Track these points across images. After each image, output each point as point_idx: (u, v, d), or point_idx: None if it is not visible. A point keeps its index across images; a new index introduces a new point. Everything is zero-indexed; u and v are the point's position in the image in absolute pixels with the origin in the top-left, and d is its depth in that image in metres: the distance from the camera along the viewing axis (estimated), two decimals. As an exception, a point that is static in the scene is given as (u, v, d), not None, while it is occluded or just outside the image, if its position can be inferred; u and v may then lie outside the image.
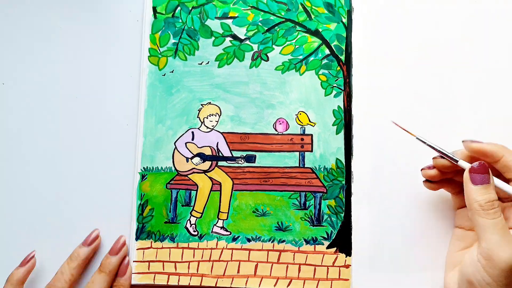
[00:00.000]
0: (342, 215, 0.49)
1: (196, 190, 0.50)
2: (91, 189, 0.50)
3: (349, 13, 0.51)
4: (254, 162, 0.50)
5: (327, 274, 0.48)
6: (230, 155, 0.50)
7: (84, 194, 0.50)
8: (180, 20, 0.52)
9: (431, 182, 0.46)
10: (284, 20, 0.51)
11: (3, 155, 0.51)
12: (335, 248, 0.48)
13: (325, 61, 0.51)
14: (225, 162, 0.50)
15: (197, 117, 0.51)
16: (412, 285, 0.48)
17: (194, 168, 0.50)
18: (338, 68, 0.51)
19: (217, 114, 0.51)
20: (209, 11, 0.52)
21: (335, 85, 0.50)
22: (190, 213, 0.49)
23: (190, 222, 0.49)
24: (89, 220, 0.50)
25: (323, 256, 0.48)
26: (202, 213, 0.49)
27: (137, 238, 0.49)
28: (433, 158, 0.44)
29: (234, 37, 0.51)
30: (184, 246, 0.49)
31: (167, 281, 0.48)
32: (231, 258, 0.48)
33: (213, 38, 0.51)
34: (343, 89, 0.50)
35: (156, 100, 0.51)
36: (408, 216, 0.49)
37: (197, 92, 0.51)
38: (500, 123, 0.50)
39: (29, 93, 0.52)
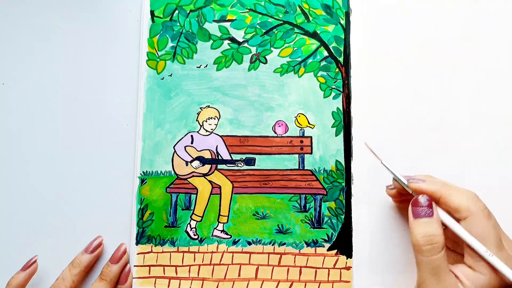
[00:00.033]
0: (343, 217, 0.49)
1: (196, 194, 0.50)
2: (91, 193, 0.50)
3: (347, 15, 0.51)
4: (254, 165, 0.50)
5: (328, 276, 0.48)
6: (230, 158, 0.50)
7: (84, 198, 0.50)
8: (178, 24, 0.51)
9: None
10: (282, 22, 0.51)
11: (3, 155, 0.51)
12: (336, 250, 0.48)
13: (323, 63, 0.51)
14: (224, 165, 0.50)
15: (196, 120, 0.50)
16: (413, 286, 0.47)
17: (193, 171, 0.50)
18: (337, 69, 0.51)
19: (216, 117, 0.50)
20: (207, 14, 0.52)
21: (334, 86, 0.50)
22: (190, 217, 0.49)
23: (190, 226, 0.49)
24: (89, 224, 0.50)
25: (324, 258, 0.48)
26: (202, 217, 0.49)
27: (137, 243, 0.49)
28: (393, 179, 0.44)
29: (232, 40, 0.51)
30: (184, 250, 0.49)
31: (168, 285, 0.48)
32: (232, 262, 0.48)
33: (211, 41, 0.51)
34: (342, 90, 0.50)
35: (154, 104, 0.50)
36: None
37: (196, 95, 0.51)
38: (500, 123, 0.50)
39: (29, 93, 0.52)
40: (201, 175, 0.50)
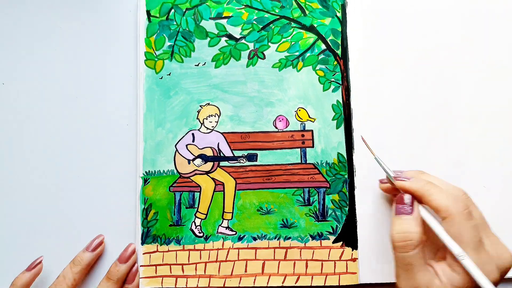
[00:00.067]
0: (347, 209, 0.49)
1: (200, 192, 0.50)
2: (95, 195, 0.50)
3: (343, 7, 0.51)
4: (256, 161, 0.50)
5: (335, 269, 0.48)
6: (232, 155, 0.50)
7: (88, 200, 0.50)
8: (175, 23, 0.51)
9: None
10: (278, 17, 0.51)
11: (4, 155, 0.51)
12: (341, 242, 0.48)
13: (321, 56, 0.51)
14: (226, 162, 0.50)
15: (197, 118, 0.50)
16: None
17: (196, 169, 0.50)
18: (335, 62, 0.51)
19: (216, 115, 0.51)
20: (203, 12, 0.52)
21: (333, 79, 0.51)
22: (195, 214, 0.49)
23: (195, 224, 0.49)
24: (93, 226, 0.50)
25: (330, 250, 0.48)
26: (206, 214, 0.49)
27: (142, 243, 0.49)
28: (386, 175, 0.45)
29: (230, 36, 0.51)
30: (190, 248, 0.49)
31: (175, 284, 0.48)
32: (238, 258, 0.48)
33: (208, 38, 0.51)
34: (341, 83, 0.50)
35: (154, 104, 0.50)
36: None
37: (195, 93, 0.51)
38: (500, 123, 0.50)
39: (29, 93, 0.52)
40: (204, 172, 0.50)
